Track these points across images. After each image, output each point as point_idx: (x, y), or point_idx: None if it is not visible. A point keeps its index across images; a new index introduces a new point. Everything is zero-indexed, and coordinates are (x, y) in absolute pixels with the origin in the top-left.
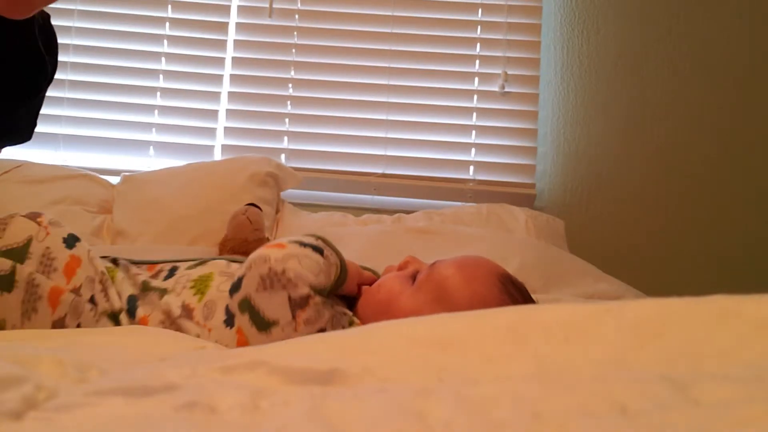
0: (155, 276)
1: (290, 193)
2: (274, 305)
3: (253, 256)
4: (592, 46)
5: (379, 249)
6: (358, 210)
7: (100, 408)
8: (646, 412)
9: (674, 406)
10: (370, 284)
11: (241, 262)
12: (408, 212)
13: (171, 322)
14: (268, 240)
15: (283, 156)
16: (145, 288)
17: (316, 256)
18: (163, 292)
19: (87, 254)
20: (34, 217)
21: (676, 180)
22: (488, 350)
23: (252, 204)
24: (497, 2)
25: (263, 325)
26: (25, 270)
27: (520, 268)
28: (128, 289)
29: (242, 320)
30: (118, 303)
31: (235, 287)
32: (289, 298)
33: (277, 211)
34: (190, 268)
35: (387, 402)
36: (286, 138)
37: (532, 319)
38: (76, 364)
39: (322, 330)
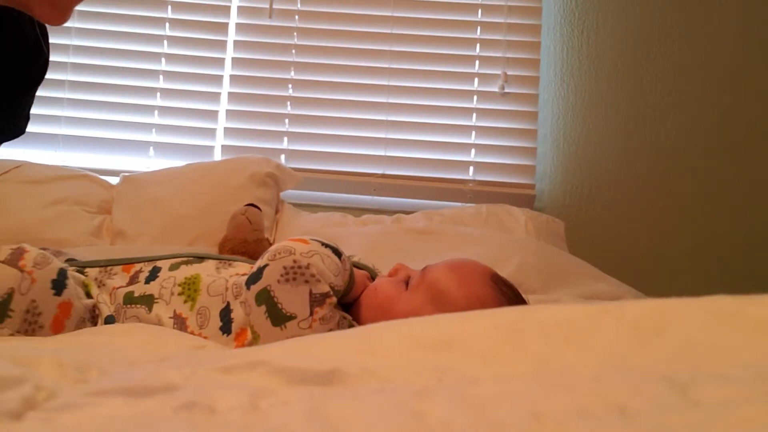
0: (135, 278)
1: (290, 193)
2: (294, 299)
3: (276, 247)
4: (592, 46)
5: (378, 249)
6: (358, 210)
7: (100, 408)
8: (645, 412)
9: (673, 406)
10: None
11: (231, 261)
12: (408, 213)
13: None
14: (267, 240)
15: (282, 156)
16: (129, 301)
17: (336, 258)
18: (150, 300)
19: (76, 293)
20: (16, 259)
21: (676, 181)
22: (488, 350)
23: (251, 204)
24: (497, 3)
25: (280, 318)
26: (4, 333)
27: (520, 269)
28: (104, 310)
29: (257, 313)
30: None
31: (254, 278)
32: (310, 294)
33: (277, 212)
34: (173, 268)
35: (386, 402)
36: (285, 138)
37: (531, 320)
38: (75, 365)
39: (330, 331)
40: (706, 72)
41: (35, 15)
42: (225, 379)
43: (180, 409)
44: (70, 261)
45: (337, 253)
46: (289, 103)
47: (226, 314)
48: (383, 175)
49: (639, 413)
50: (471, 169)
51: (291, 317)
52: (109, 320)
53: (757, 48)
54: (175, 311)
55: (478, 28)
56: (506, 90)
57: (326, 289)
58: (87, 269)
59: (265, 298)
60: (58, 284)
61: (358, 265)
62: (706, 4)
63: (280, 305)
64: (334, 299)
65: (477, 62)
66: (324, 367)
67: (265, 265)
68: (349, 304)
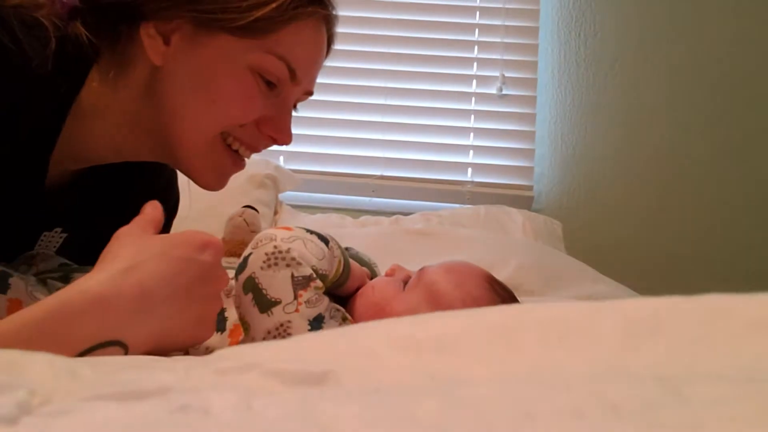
0: None
1: (288, 195)
2: (277, 283)
3: (259, 235)
4: (590, 48)
5: (377, 251)
6: (356, 212)
7: (96, 413)
8: (638, 411)
9: (666, 405)
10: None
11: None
12: (406, 214)
13: None
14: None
15: (281, 158)
16: None
17: (321, 244)
18: None
19: (26, 290)
20: None
21: (674, 182)
22: (481, 350)
23: (249, 206)
24: (495, 5)
25: (266, 304)
26: None
27: (518, 270)
28: None
29: (245, 302)
30: None
31: (241, 267)
32: (293, 277)
33: (276, 213)
34: None
35: (380, 403)
36: None
37: (525, 319)
38: (67, 366)
39: (321, 317)
40: (704, 73)
41: (197, 181)
42: (219, 381)
43: (174, 411)
44: (63, 265)
45: (324, 239)
46: None
47: (219, 312)
48: (381, 177)
49: (631, 412)
50: (469, 170)
51: (276, 302)
52: None
53: (755, 49)
54: None
55: (476, 30)
56: (504, 92)
57: (308, 272)
58: (76, 274)
59: (251, 285)
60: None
61: (355, 258)
62: (704, 7)
63: (264, 291)
64: (319, 283)
65: (475, 64)
66: (317, 369)
67: (249, 254)
68: (346, 299)
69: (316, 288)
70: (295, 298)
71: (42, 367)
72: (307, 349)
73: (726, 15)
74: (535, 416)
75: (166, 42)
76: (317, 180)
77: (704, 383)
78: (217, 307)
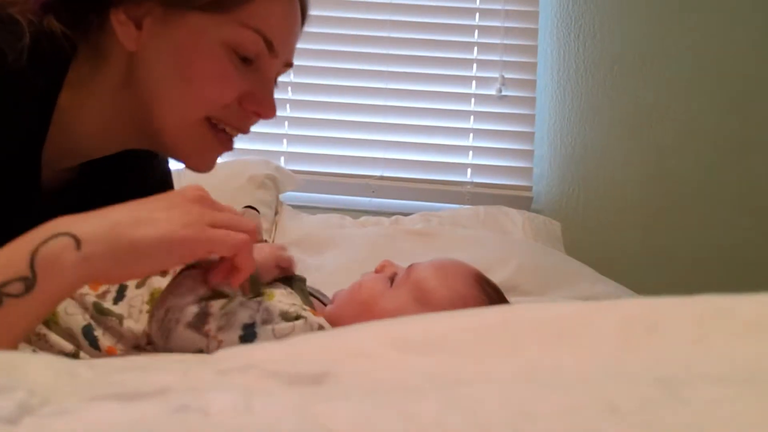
0: (102, 297)
1: (289, 195)
2: (182, 344)
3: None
4: (589, 50)
5: (376, 251)
6: (356, 212)
7: (95, 413)
8: (636, 411)
9: (664, 405)
10: (288, 267)
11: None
12: (405, 215)
13: (139, 351)
14: (266, 243)
15: (282, 158)
16: (99, 311)
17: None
18: (120, 318)
19: None
20: None
21: (673, 183)
22: (479, 350)
23: (249, 206)
24: (494, 7)
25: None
26: None
27: (517, 271)
28: (80, 321)
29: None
30: (69, 346)
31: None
32: (189, 325)
33: (276, 214)
34: (139, 286)
35: (378, 403)
36: (285, 141)
37: (522, 319)
38: (67, 368)
39: (251, 325)
40: (703, 75)
41: (186, 164)
42: (218, 382)
43: (174, 412)
44: None
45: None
46: (288, 105)
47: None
48: (382, 177)
49: (630, 412)
50: (469, 171)
51: (201, 351)
52: (88, 331)
53: (754, 52)
54: (145, 329)
55: (476, 31)
56: (504, 93)
57: (195, 309)
58: None
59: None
60: None
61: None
62: (704, 8)
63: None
64: (214, 303)
65: (474, 65)
66: (316, 370)
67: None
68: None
69: (220, 309)
70: (206, 337)
71: (41, 368)
72: (305, 349)
73: (725, 15)
74: (534, 416)
75: (138, 27)
76: (318, 180)
77: (703, 384)
78: (202, 208)
